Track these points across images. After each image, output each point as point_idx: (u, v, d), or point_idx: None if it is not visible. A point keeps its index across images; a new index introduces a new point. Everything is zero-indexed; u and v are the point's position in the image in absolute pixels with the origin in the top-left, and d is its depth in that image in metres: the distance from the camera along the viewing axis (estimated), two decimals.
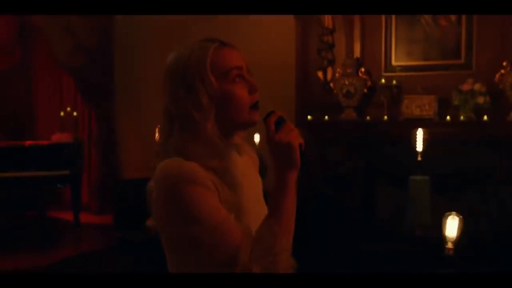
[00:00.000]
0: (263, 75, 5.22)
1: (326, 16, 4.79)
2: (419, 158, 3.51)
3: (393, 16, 4.67)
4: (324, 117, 4.73)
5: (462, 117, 4.30)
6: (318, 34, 4.88)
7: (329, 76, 4.86)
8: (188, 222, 1.10)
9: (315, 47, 4.93)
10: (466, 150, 4.16)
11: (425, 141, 3.51)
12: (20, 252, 4.69)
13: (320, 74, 4.89)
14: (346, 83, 4.67)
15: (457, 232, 1.70)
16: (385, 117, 4.53)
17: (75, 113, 5.75)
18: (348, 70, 4.71)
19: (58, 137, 5.19)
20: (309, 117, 4.79)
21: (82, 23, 5.78)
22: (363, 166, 4.56)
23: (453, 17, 4.50)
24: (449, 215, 1.71)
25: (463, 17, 4.46)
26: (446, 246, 1.69)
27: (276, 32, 5.28)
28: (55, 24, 5.57)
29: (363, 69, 4.71)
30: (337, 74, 4.78)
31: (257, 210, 1.25)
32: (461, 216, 1.71)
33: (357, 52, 4.80)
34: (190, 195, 1.11)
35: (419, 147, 3.51)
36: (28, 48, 6.48)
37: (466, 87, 4.27)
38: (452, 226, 1.69)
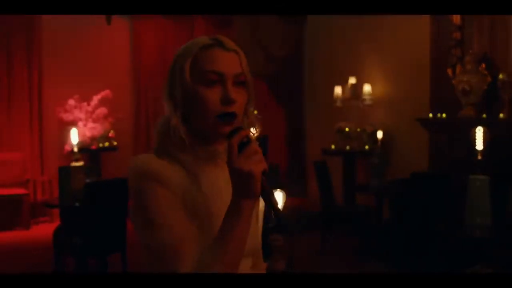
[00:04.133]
0: (403, 71, 5.54)
1: None
2: (479, 157, 3.42)
3: None
4: (443, 114, 4.76)
5: None
6: (449, 32, 4.90)
7: (457, 73, 4.83)
8: (144, 222, 1.12)
9: (447, 45, 4.96)
10: None
11: (486, 140, 3.41)
12: None
13: (449, 71, 4.90)
14: (464, 80, 4.58)
15: (282, 204, 2.15)
16: (501, 115, 4.31)
17: (255, 112, 7.05)
18: (468, 67, 4.61)
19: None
20: (430, 114, 4.88)
21: (274, 40, 7.02)
22: (481, 165, 4.45)
23: None
24: (275, 190, 2.17)
25: None
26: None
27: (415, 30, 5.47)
28: (248, 39, 6.96)
29: (483, 65, 4.53)
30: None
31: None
32: (283, 192, 2.16)
33: (485, 48, 4.63)
34: (148, 192, 1.11)
35: (479, 145, 3.43)
36: None
37: None
38: (279, 199, 2.14)
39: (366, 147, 5.95)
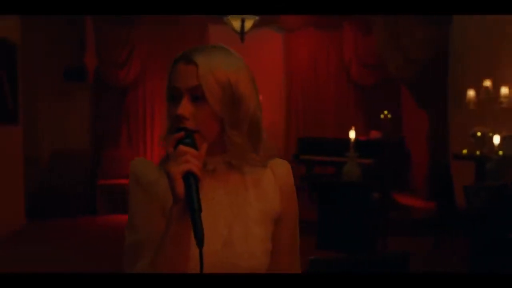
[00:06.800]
0: None
1: None
2: None
3: None
4: None
5: None
6: None
7: None
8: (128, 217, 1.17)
9: None
10: None
11: None
12: None
13: None
14: None
15: None
16: None
17: (389, 115, 7.15)
18: None
19: (374, 134, 6.81)
20: None
21: (414, 42, 7.05)
22: None
23: None
24: None
25: None
26: None
27: None
28: (388, 43, 7.12)
29: None
30: None
31: (212, 227, 1.12)
32: None
33: None
34: (131, 193, 1.16)
35: None
36: None
37: None
38: None
39: (500, 152, 5.67)
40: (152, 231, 1.10)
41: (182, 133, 1.06)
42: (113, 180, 7.48)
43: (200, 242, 0.98)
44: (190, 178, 1.01)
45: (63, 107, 7.53)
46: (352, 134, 4.86)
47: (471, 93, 6.05)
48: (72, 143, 7.61)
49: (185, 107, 1.09)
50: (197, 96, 1.10)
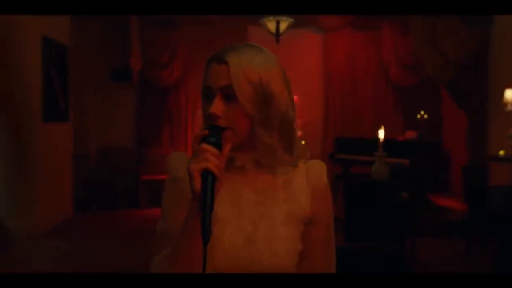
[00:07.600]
0: None
1: None
2: None
3: None
4: None
5: None
6: None
7: None
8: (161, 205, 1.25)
9: None
10: None
11: None
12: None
13: None
14: None
15: None
16: None
17: (425, 116, 7.09)
18: None
19: (409, 134, 6.80)
20: None
21: (453, 43, 6.97)
22: None
23: None
24: None
25: None
26: None
27: None
28: (426, 44, 7.08)
29: None
30: None
31: (237, 223, 1.17)
32: None
33: None
34: (165, 185, 1.25)
35: None
36: None
37: None
38: None
39: None
40: (178, 223, 1.13)
41: (206, 132, 1.08)
42: (155, 176, 7.78)
43: (205, 240, 0.98)
44: (208, 176, 1.02)
45: (110, 106, 7.93)
46: (381, 134, 4.92)
47: (509, 93, 5.96)
48: (118, 141, 7.99)
49: (217, 106, 1.12)
50: (229, 95, 1.13)
